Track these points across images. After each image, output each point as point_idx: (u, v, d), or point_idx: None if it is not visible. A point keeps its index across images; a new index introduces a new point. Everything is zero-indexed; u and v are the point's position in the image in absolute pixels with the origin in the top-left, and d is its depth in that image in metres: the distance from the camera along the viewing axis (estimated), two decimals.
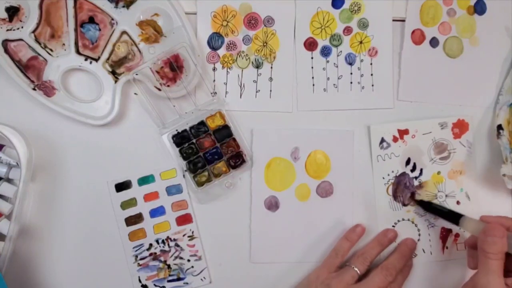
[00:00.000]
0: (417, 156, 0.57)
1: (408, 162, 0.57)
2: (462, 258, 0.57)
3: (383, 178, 0.57)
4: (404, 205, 0.57)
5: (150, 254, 0.55)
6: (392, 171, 0.57)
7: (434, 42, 0.57)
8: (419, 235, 0.57)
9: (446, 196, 0.57)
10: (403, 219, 0.57)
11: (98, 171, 0.54)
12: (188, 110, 0.54)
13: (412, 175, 0.57)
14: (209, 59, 0.55)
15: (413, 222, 0.57)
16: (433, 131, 0.57)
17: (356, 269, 0.52)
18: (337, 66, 0.56)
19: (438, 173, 0.57)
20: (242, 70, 0.56)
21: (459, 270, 0.58)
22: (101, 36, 0.52)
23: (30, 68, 0.52)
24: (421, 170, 0.57)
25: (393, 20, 0.56)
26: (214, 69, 0.55)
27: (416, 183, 0.57)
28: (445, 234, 0.57)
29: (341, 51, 0.56)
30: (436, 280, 0.58)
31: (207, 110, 0.54)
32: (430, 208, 0.56)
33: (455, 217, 0.52)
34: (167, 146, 0.54)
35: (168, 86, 0.53)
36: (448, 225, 0.57)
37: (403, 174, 0.57)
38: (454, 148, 0.57)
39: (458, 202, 0.57)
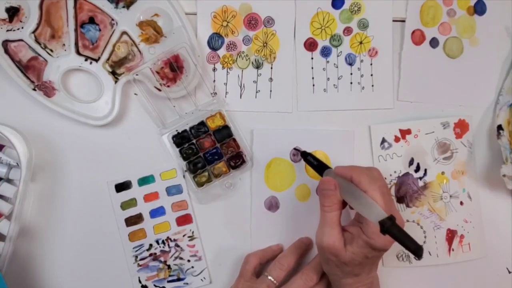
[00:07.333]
0: (421, 156, 0.57)
1: (411, 162, 0.57)
2: (468, 260, 0.56)
3: (385, 178, 0.56)
4: (408, 206, 0.57)
5: (150, 255, 0.55)
6: (395, 172, 0.57)
7: (434, 43, 0.57)
8: (425, 237, 0.57)
9: (450, 196, 0.57)
10: (407, 221, 0.56)
11: (98, 171, 0.54)
12: (188, 111, 0.54)
13: (416, 175, 0.57)
14: (209, 59, 0.55)
15: (418, 224, 0.57)
16: (435, 131, 0.57)
17: (270, 278, 0.51)
18: (337, 67, 0.56)
19: (442, 173, 0.57)
20: (242, 71, 0.56)
21: (466, 272, 0.57)
22: (101, 37, 0.52)
23: (30, 69, 0.52)
24: (425, 170, 0.57)
25: (393, 21, 0.56)
26: (214, 69, 0.55)
27: (421, 183, 0.57)
28: (450, 236, 0.57)
29: (341, 52, 0.56)
30: (443, 283, 0.57)
31: (207, 111, 0.54)
32: (306, 159, 0.53)
33: (323, 169, 0.50)
34: (167, 146, 0.54)
35: (168, 86, 0.53)
36: (453, 226, 0.57)
37: (406, 174, 0.57)
38: (456, 148, 0.57)
39: (461, 203, 0.57)
